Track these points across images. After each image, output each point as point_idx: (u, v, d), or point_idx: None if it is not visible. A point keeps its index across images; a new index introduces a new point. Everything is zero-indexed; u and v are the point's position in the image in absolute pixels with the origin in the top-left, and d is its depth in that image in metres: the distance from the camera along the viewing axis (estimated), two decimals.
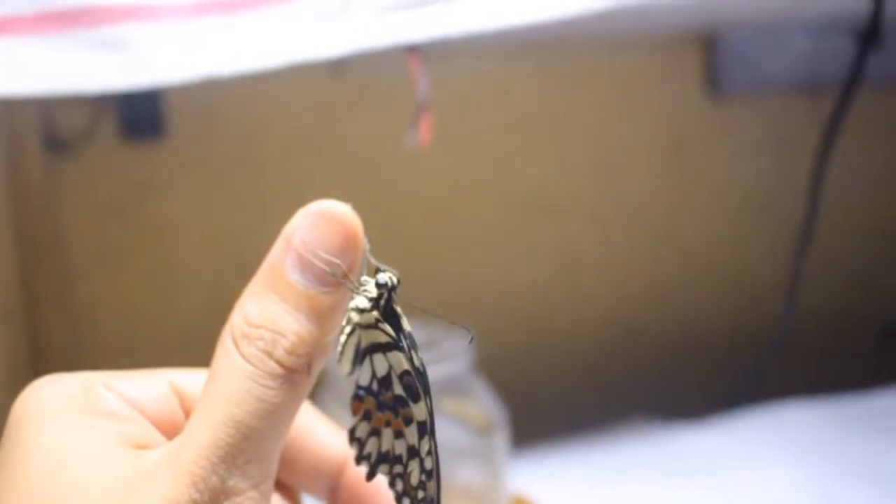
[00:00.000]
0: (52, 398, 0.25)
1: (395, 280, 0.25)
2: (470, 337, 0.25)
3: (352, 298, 0.25)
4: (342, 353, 0.26)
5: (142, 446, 0.24)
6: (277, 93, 0.67)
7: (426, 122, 0.44)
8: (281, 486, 0.29)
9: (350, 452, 0.28)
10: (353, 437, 0.27)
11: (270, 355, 0.23)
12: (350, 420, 0.26)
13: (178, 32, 0.42)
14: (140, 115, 0.64)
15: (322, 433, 0.29)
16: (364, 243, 0.25)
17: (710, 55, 0.77)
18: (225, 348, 0.24)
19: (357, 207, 0.25)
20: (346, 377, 0.27)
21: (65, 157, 0.64)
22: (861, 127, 0.69)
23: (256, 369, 0.23)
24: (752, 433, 0.64)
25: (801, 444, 0.62)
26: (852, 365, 0.75)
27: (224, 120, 0.66)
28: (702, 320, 0.79)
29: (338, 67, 0.66)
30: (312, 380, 0.25)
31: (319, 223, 0.24)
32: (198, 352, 0.70)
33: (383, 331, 0.25)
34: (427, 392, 0.25)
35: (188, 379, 0.27)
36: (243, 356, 0.24)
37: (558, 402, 0.71)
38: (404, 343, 0.25)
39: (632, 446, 0.64)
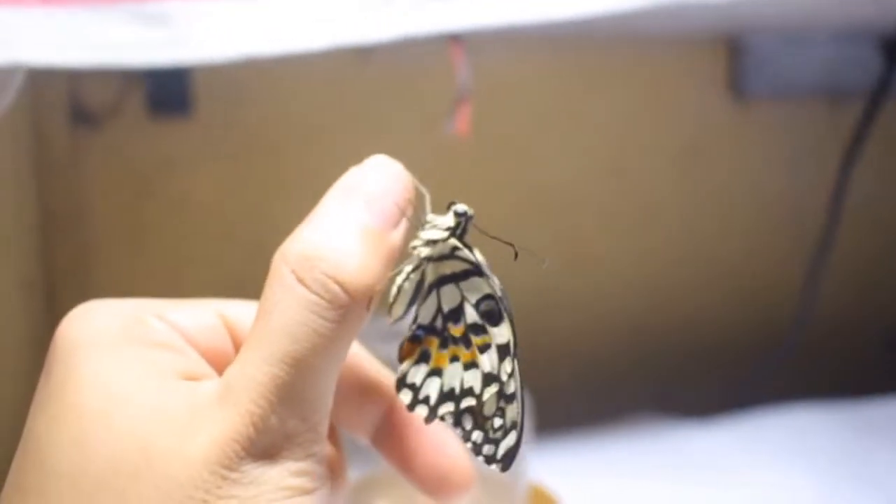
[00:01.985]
0: (101, 327, 0.24)
1: (471, 210, 0.25)
2: (545, 261, 0.25)
3: (415, 237, 0.25)
4: (397, 295, 0.25)
5: (192, 378, 0.23)
6: (305, 76, 0.67)
7: (465, 111, 0.44)
8: None
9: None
10: (403, 384, 0.25)
11: (335, 279, 0.22)
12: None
13: (221, 9, 0.43)
14: (168, 91, 0.64)
15: (368, 367, 0.28)
16: (422, 190, 0.25)
17: (735, 59, 0.77)
18: (279, 275, 0.22)
19: None
20: (393, 324, 0.25)
21: (91, 131, 0.64)
22: (884, 137, 0.69)
23: (318, 298, 0.22)
24: (759, 435, 0.65)
25: (809, 448, 0.63)
26: (862, 371, 0.76)
27: (250, 100, 0.66)
28: (712, 321, 0.80)
29: (366, 54, 0.66)
30: (368, 316, 0.23)
31: (378, 171, 0.24)
32: None
33: (461, 258, 0.25)
34: (510, 314, 0.25)
35: (237, 310, 0.26)
36: (302, 282, 0.22)
37: (568, 398, 0.72)
38: (484, 267, 0.25)
39: (641, 442, 0.65)
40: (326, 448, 0.24)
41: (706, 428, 0.66)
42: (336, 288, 0.22)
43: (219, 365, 0.25)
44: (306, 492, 0.22)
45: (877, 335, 0.83)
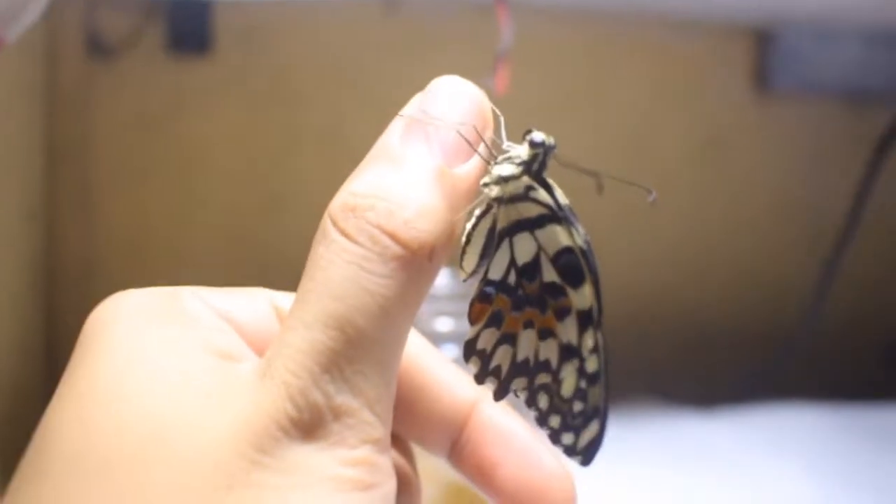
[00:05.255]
0: (130, 305, 0.20)
1: (552, 139, 0.21)
2: (652, 196, 0.22)
3: (486, 173, 0.21)
4: (467, 244, 0.21)
5: (229, 358, 0.20)
6: (329, 24, 0.65)
7: (504, 71, 0.43)
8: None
9: (478, 396, 0.23)
10: (471, 350, 0.21)
11: (383, 229, 0.19)
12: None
13: None
14: (187, 28, 0.63)
15: (442, 371, 0.24)
16: (497, 113, 0.21)
17: (763, 50, 0.76)
18: (323, 230, 0.19)
19: None
20: (465, 280, 0.21)
21: (105, 63, 0.63)
22: None
23: (364, 249, 0.18)
24: (758, 430, 0.64)
25: (807, 446, 0.63)
26: (861, 379, 0.75)
27: (271, 44, 0.65)
28: (719, 313, 0.79)
29: (392, 5, 0.64)
30: (435, 272, 0.19)
31: (441, 92, 0.21)
32: (212, 275, 0.70)
33: (536, 200, 0.21)
34: (594, 273, 0.21)
35: (292, 300, 0.22)
36: (345, 233, 0.19)
37: None
38: (566, 212, 0.21)
39: (640, 428, 0.64)
40: (390, 442, 0.20)
41: (705, 418, 0.66)
42: (385, 238, 0.19)
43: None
44: (363, 487, 0.18)
45: (879, 346, 0.83)
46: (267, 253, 0.66)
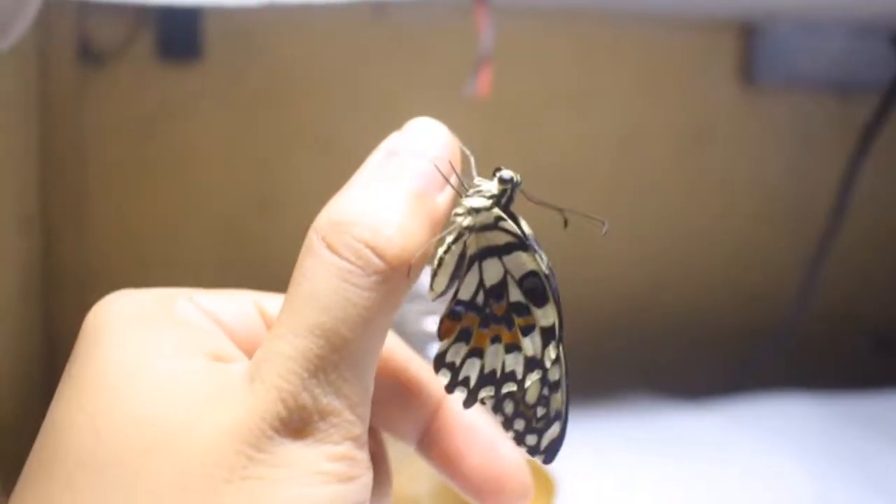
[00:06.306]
0: (125, 309, 0.22)
1: (518, 177, 0.23)
2: (604, 228, 0.23)
3: (458, 204, 0.23)
4: (438, 267, 0.23)
5: (221, 360, 0.22)
6: (318, 29, 0.66)
7: (486, 73, 0.43)
8: None
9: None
10: (441, 363, 0.23)
11: (367, 243, 0.20)
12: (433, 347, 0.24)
13: None
14: (178, 35, 0.63)
15: (413, 366, 0.26)
16: (467, 153, 0.24)
17: (749, 44, 0.76)
18: (309, 245, 0.21)
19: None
20: (434, 299, 0.23)
21: (97, 70, 0.63)
22: (894, 136, 0.69)
23: (349, 264, 0.20)
24: (750, 420, 0.65)
25: (799, 436, 0.63)
26: (852, 367, 0.76)
27: (261, 50, 0.66)
28: (709, 306, 0.80)
29: (381, 9, 0.65)
30: (408, 288, 0.21)
31: (418, 131, 0.23)
32: (206, 278, 0.70)
33: (505, 230, 0.23)
34: (556, 294, 0.23)
35: (275, 302, 0.25)
36: (332, 248, 0.20)
37: None
38: (531, 241, 0.23)
39: (633, 421, 0.65)
40: (368, 439, 0.22)
41: (697, 410, 0.67)
42: (368, 253, 0.20)
43: (253, 354, 0.23)
44: (346, 479, 0.20)
45: (869, 332, 0.84)
46: (260, 255, 0.67)
